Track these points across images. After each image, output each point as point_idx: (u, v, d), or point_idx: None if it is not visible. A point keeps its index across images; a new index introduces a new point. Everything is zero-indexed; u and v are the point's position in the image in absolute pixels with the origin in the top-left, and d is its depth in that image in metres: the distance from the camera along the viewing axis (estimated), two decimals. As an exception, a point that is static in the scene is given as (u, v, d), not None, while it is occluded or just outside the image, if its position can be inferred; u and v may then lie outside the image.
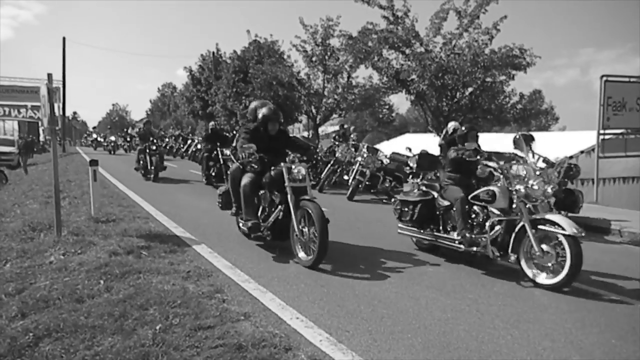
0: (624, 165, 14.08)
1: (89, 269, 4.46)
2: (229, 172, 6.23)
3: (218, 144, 12.33)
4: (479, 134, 5.94)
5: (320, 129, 23.80)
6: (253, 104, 6.19)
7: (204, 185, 12.23)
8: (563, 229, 4.37)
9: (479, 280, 4.82)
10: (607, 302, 4.27)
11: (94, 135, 36.56)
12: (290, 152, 5.67)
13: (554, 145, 14.67)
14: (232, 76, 26.22)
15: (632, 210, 9.46)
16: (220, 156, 11.97)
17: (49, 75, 5.98)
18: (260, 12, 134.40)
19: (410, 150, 9.38)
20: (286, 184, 5.15)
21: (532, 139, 7.17)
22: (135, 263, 4.71)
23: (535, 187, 4.78)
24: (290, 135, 6.51)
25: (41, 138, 37.31)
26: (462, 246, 5.20)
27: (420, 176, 7.17)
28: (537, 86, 74.90)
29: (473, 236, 5.14)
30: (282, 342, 3.11)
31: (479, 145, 5.59)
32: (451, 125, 9.79)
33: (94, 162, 7.44)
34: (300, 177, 5.23)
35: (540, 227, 4.59)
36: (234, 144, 6.15)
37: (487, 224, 5.02)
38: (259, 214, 5.60)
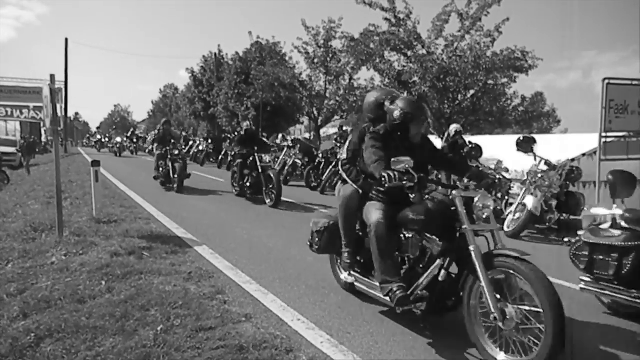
0: (625, 168, 13.98)
1: (91, 270, 4.47)
2: (337, 196, 4.16)
3: (255, 148, 10.04)
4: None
5: (321, 131, 23.84)
6: (373, 96, 4.07)
7: (234, 196, 10.40)
8: None
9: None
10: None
11: (98, 136, 35.80)
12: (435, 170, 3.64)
13: (555, 147, 14.62)
14: (234, 77, 26.33)
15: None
16: (258, 163, 9.76)
17: (52, 76, 6.01)
18: (262, 13, 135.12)
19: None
20: (465, 225, 3.12)
21: (534, 141, 7.21)
22: (137, 264, 4.71)
23: None
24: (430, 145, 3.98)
25: (43, 139, 37.26)
26: None
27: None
28: (539, 89, 75.48)
29: None
30: (283, 344, 3.11)
31: None
32: (453, 128, 9.78)
33: (95, 163, 7.46)
34: (485, 217, 3.23)
35: None
36: (342, 155, 4.28)
37: None
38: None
